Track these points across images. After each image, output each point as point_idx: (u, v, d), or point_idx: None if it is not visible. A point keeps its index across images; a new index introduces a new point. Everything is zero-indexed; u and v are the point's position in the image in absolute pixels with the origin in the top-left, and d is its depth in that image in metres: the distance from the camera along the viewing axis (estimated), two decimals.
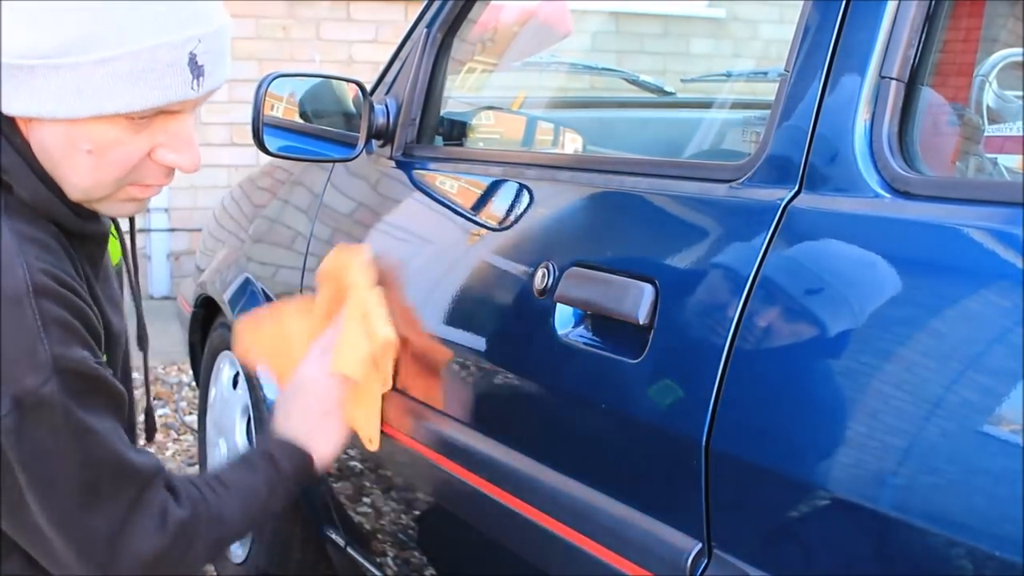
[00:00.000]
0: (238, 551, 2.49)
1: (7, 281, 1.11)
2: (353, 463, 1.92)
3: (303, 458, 1.43)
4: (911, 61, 1.06)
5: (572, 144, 2.20)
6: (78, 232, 1.25)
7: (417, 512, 1.73)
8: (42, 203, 1.20)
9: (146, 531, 1.21)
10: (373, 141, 1.93)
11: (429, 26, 1.90)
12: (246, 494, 1.34)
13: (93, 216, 1.27)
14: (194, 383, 3.52)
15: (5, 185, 1.19)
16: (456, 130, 2.00)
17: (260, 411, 2.28)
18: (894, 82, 1.06)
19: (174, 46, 1.14)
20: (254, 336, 1.68)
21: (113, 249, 1.38)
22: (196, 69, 1.16)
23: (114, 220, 1.38)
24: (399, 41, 2.00)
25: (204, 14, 1.18)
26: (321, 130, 1.97)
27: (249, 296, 2.34)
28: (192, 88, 1.16)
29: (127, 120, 1.17)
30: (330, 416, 1.49)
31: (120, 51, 1.12)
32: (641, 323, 1.18)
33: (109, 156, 1.19)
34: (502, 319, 1.48)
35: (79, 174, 1.20)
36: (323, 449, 1.46)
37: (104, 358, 1.26)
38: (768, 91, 1.74)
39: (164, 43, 1.14)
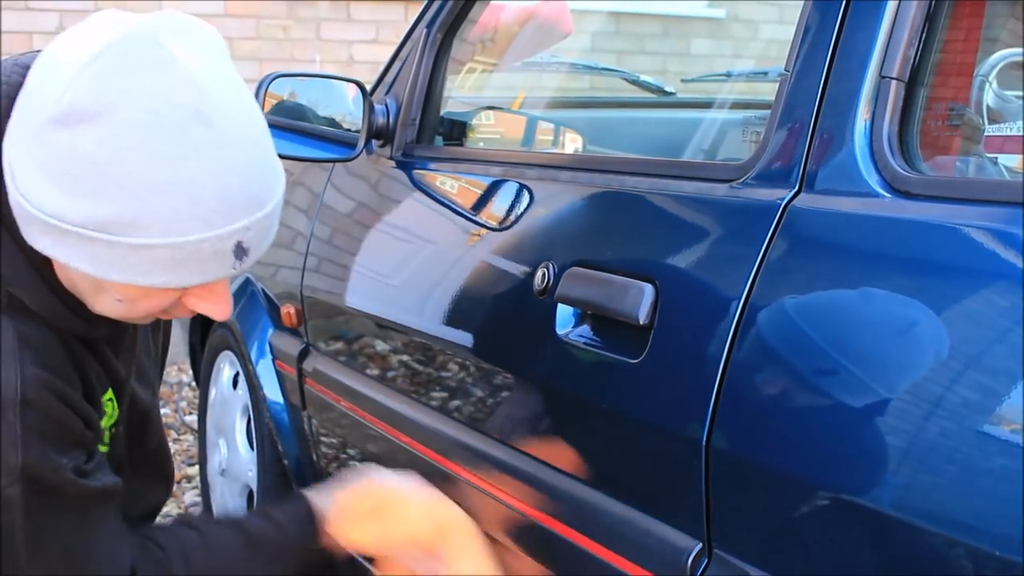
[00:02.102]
0: None
1: None
2: (353, 463, 1.92)
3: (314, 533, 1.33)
4: (911, 61, 1.06)
5: (572, 144, 2.20)
6: (90, 337, 1.22)
7: None
8: (49, 314, 1.15)
9: None
10: (373, 141, 1.93)
11: (429, 26, 1.90)
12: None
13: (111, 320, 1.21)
14: (194, 383, 3.53)
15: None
16: (456, 130, 2.00)
17: (260, 411, 2.28)
18: (894, 82, 1.06)
19: (221, 239, 1.06)
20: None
21: None
22: (240, 252, 1.09)
23: None
24: (399, 41, 2.00)
25: (259, 200, 1.09)
26: (321, 130, 1.97)
27: (249, 296, 2.34)
28: (233, 268, 1.10)
29: None
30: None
31: (162, 241, 1.04)
32: (641, 323, 1.18)
33: (139, 304, 1.15)
34: (502, 319, 1.48)
35: (106, 310, 1.17)
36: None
37: (105, 446, 1.27)
38: (768, 91, 1.74)
39: (211, 237, 1.05)
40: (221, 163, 1.05)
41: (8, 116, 1.07)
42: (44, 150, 1.03)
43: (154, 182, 1.02)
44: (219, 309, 1.17)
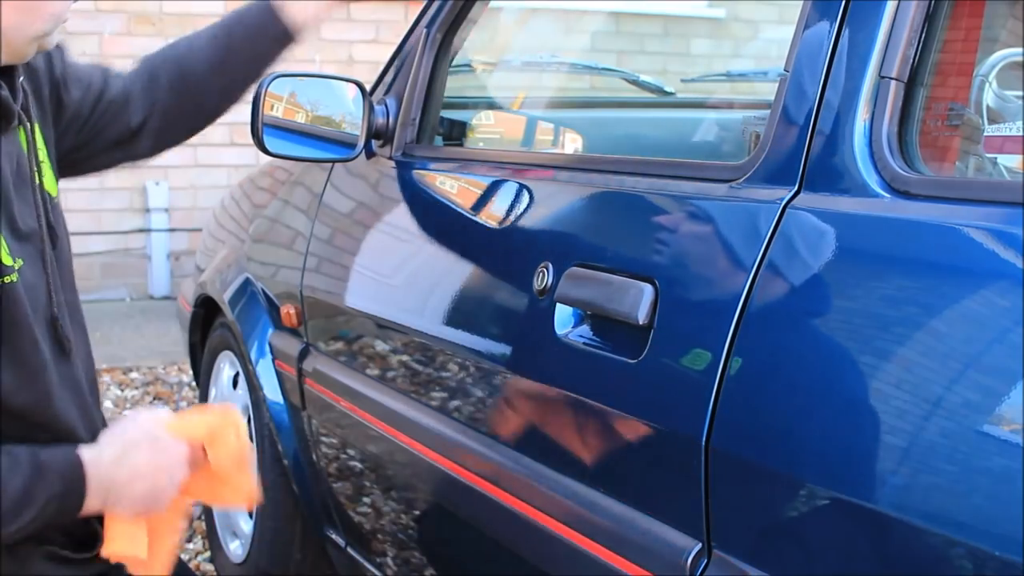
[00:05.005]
0: (238, 551, 2.48)
1: None
2: (353, 463, 1.92)
3: (80, 494, 1.19)
4: (911, 61, 1.06)
5: (572, 144, 2.20)
6: None
7: (417, 512, 1.73)
8: None
9: None
10: (373, 141, 1.93)
11: (429, 26, 1.90)
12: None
13: None
14: (194, 383, 3.52)
15: None
16: (456, 130, 2.00)
17: (260, 411, 2.28)
18: (894, 82, 1.06)
19: None
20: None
21: (49, 180, 1.35)
22: None
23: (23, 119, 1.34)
24: (399, 41, 2.00)
25: None
26: (321, 130, 1.97)
27: (249, 296, 2.34)
28: None
29: None
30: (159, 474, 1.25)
31: None
32: (641, 323, 1.18)
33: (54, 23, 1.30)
34: (502, 319, 1.48)
35: (27, 29, 1.24)
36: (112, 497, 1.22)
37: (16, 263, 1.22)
38: (768, 91, 1.74)
39: None
40: None
41: None
42: None
43: None
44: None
